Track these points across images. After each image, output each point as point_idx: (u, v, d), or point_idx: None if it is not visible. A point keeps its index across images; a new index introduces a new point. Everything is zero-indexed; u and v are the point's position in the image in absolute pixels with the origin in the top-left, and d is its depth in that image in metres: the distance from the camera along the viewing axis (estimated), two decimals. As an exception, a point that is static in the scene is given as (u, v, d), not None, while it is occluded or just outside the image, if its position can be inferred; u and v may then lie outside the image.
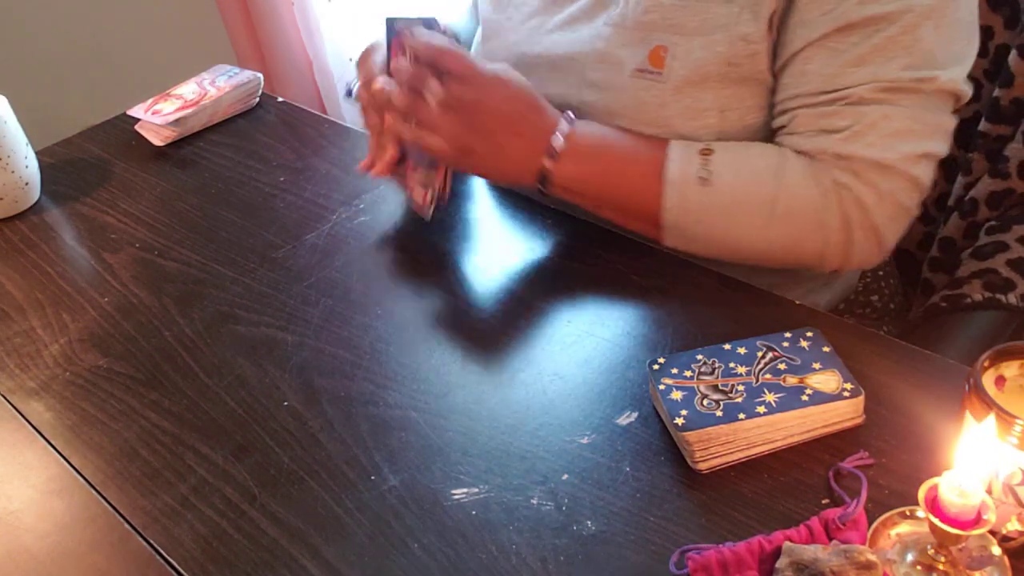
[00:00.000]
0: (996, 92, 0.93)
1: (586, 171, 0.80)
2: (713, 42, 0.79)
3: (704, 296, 0.79)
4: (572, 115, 0.81)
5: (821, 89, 0.77)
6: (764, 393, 0.63)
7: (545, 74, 0.88)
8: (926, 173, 0.77)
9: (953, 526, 0.49)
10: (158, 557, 0.62)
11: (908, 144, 0.75)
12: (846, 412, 0.63)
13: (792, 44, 0.78)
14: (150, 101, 1.14)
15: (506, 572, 0.58)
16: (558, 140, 0.79)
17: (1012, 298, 0.85)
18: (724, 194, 0.77)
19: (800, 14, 0.77)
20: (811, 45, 0.77)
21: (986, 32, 0.94)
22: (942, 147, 0.78)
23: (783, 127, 0.80)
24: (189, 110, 1.10)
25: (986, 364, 0.55)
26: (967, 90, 0.78)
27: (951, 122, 0.78)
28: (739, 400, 0.63)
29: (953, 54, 0.76)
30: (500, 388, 0.72)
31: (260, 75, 1.17)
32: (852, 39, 0.75)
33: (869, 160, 0.75)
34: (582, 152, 0.80)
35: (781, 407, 0.62)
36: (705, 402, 0.63)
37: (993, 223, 0.92)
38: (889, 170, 0.75)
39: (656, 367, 0.67)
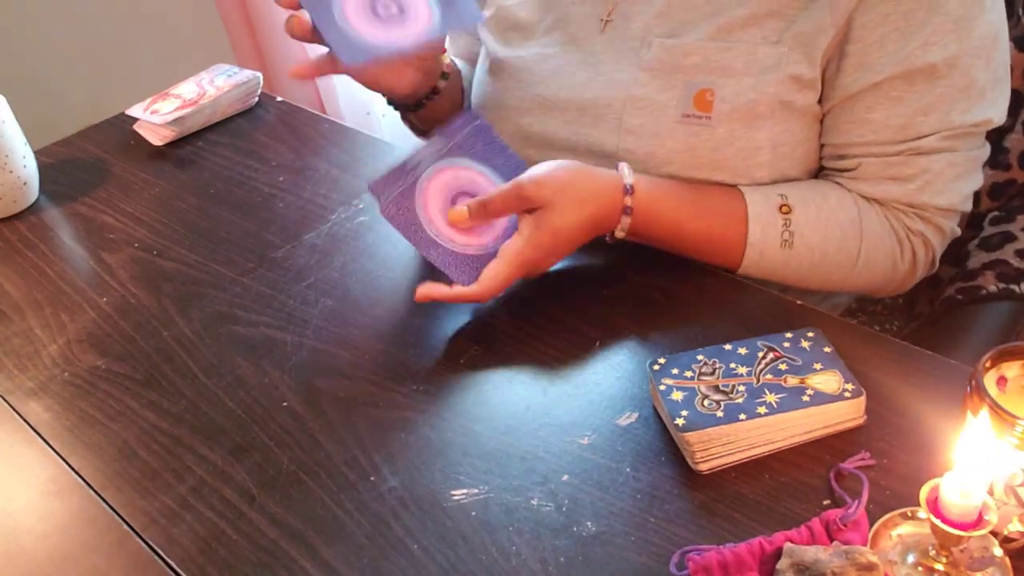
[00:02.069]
0: None
1: (659, 226, 0.79)
2: (763, 83, 0.77)
3: (705, 296, 0.79)
4: (626, 171, 0.78)
5: (890, 139, 0.77)
6: (765, 394, 0.63)
7: (574, 118, 0.86)
8: (971, 204, 0.83)
9: (954, 527, 0.49)
10: (157, 558, 0.62)
11: (966, 185, 0.81)
12: (847, 413, 0.63)
13: (849, 87, 0.77)
14: (149, 100, 1.14)
15: (506, 573, 0.58)
16: (628, 207, 0.77)
17: None
18: (804, 255, 0.79)
19: (858, 57, 0.76)
20: (871, 90, 0.76)
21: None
22: (982, 177, 0.82)
23: (846, 171, 0.81)
24: (188, 109, 1.10)
25: (987, 365, 0.55)
26: (1005, 117, 0.80)
27: (988, 151, 0.82)
28: (740, 401, 0.63)
29: (1000, 86, 0.78)
30: (500, 388, 0.72)
31: (259, 74, 1.17)
32: (916, 88, 0.75)
33: (938, 207, 0.80)
34: (653, 210, 0.78)
35: (782, 408, 0.62)
36: (706, 403, 0.63)
37: (997, 213, 0.93)
38: (950, 211, 0.81)
39: (657, 367, 0.66)
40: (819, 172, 0.84)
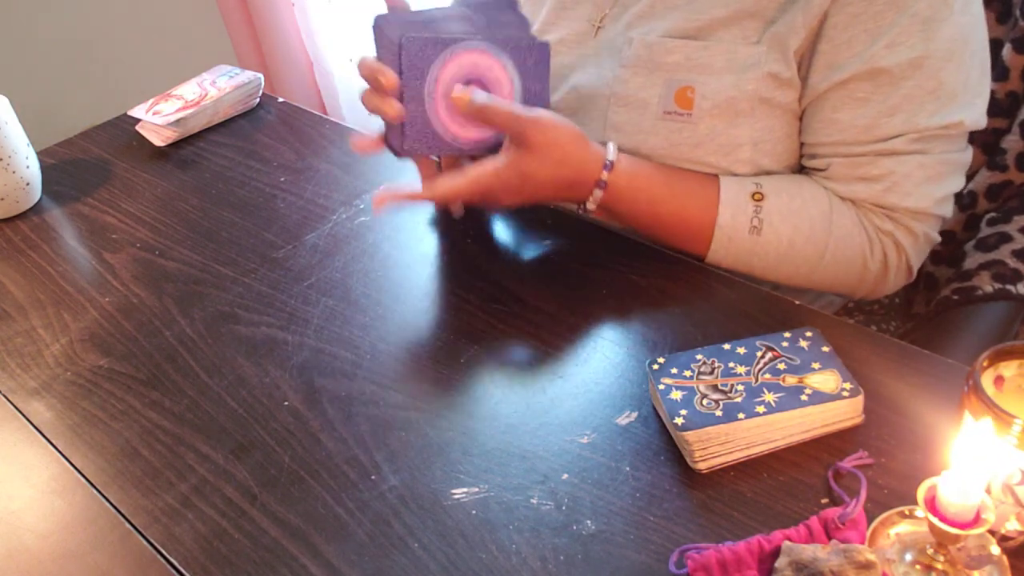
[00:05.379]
0: (992, 86, 0.94)
1: (632, 202, 0.80)
2: (744, 80, 0.78)
3: (704, 296, 0.79)
4: (612, 148, 0.79)
5: (856, 140, 0.78)
6: (763, 393, 0.63)
7: (563, 115, 0.86)
8: (951, 209, 0.82)
9: (952, 526, 0.49)
10: (159, 556, 0.63)
11: (940, 188, 0.80)
12: (845, 412, 0.64)
13: (818, 85, 0.78)
14: (151, 101, 1.14)
15: (506, 571, 0.58)
16: (603, 180, 0.78)
17: (1022, 288, 0.86)
18: (772, 243, 0.79)
19: (828, 56, 0.76)
20: (837, 90, 0.77)
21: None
22: (962, 181, 0.82)
23: (817, 170, 0.81)
24: (190, 110, 1.11)
25: (985, 364, 0.55)
26: (984, 121, 0.79)
27: (970, 156, 0.81)
28: (738, 400, 0.63)
29: (973, 89, 0.78)
30: (500, 388, 0.72)
31: (260, 75, 1.17)
32: (881, 89, 0.75)
33: (907, 209, 0.79)
34: (629, 187, 0.79)
35: (780, 407, 0.62)
36: (704, 402, 0.63)
37: (993, 214, 0.93)
38: (923, 215, 0.80)
39: (656, 367, 0.67)
40: (800, 171, 0.85)
